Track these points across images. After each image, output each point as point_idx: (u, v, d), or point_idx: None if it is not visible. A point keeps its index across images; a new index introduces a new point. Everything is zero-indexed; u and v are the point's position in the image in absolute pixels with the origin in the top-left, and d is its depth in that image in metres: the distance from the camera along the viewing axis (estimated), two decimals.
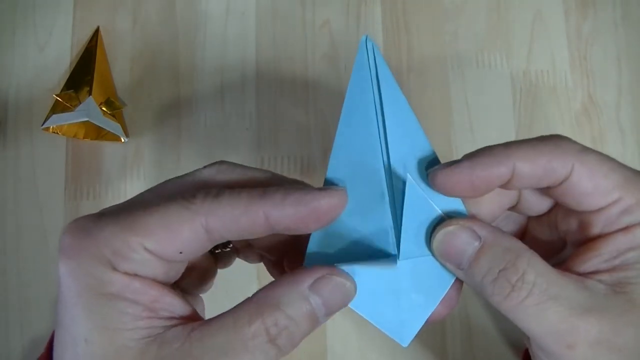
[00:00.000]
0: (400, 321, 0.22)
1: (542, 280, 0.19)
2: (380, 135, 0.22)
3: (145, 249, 0.18)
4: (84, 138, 0.41)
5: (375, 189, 0.22)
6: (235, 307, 0.19)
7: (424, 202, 0.21)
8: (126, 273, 0.18)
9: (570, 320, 0.18)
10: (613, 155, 0.44)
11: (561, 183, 0.20)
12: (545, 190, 0.22)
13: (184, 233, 0.18)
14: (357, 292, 0.20)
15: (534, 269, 0.19)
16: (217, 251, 0.25)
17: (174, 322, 0.19)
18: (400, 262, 0.22)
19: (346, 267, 0.20)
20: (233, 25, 0.43)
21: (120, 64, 0.42)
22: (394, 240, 0.22)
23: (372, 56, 0.22)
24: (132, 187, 0.41)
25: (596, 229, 0.21)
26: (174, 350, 0.17)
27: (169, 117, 0.42)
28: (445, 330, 0.39)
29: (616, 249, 0.20)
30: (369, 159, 0.22)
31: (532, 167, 0.20)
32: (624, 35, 0.43)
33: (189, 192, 0.19)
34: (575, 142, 0.21)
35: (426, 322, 0.22)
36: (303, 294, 0.19)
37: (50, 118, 0.39)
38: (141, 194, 0.20)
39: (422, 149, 0.22)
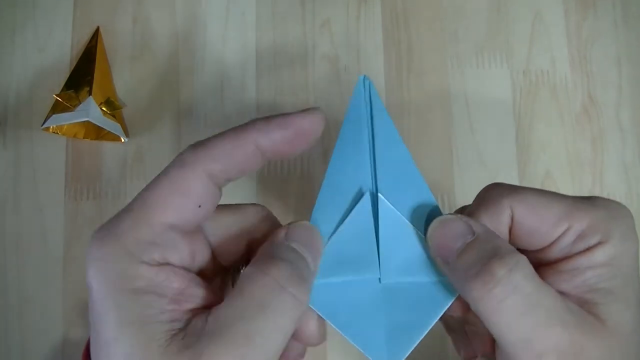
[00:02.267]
0: (387, 342, 0.21)
1: (526, 284, 0.18)
2: (372, 165, 0.23)
3: (168, 225, 0.19)
4: (84, 138, 0.41)
5: (361, 221, 0.22)
6: (237, 281, 0.19)
7: (399, 220, 0.22)
8: (152, 264, 0.19)
9: (544, 329, 0.18)
10: (613, 155, 0.45)
11: (511, 228, 0.21)
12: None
13: (192, 187, 0.19)
14: (341, 310, 0.21)
15: (521, 271, 0.19)
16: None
17: (197, 312, 0.19)
18: (385, 283, 0.21)
19: (327, 282, 0.21)
20: (233, 25, 0.43)
21: (120, 64, 0.42)
22: (377, 259, 0.22)
23: (368, 94, 0.23)
24: (132, 187, 0.41)
25: (553, 258, 0.21)
26: (196, 336, 0.17)
27: (169, 117, 0.42)
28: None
29: (575, 267, 0.20)
30: (359, 187, 0.22)
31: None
32: (624, 35, 0.43)
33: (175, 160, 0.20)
34: (505, 185, 0.21)
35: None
36: (284, 243, 0.20)
37: (50, 118, 0.39)
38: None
39: (412, 181, 0.22)
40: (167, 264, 0.19)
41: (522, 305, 0.18)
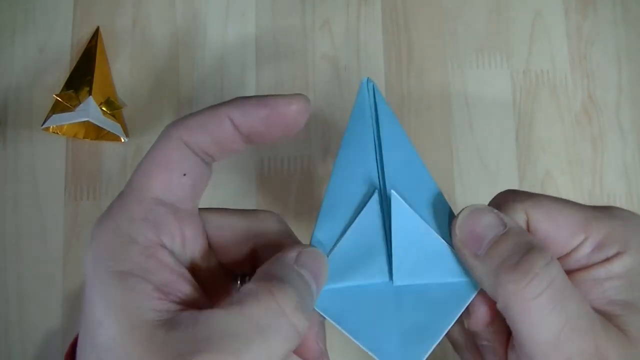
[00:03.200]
0: (403, 346, 0.20)
1: (561, 280, 0.18)
2: (378, 166, 0.22)
3: (156, 200, 0.19)
4: (84, 138, 0.41)
5: (370, 220, 0.21)
6: (238, 293, 0.18)
7: (412, 217, 0.21)
8: (146, 244, 0.18)
9: (573, 330, 0.18)
10: (613, 155, 0.44)
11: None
12: None
13: (173, 157, 0.19)
14: (353, 315, 0.20)
15: (557, 265, 0.18)
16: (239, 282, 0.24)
17: (183, 307, 0.18)
18: (398, 286, 0.20)
19: (338, 287, 0.20)
20: (233, 25, 0.43)
21: (120, 64, 0.42)
22: (387, 261, 0.21)
23: (372, 95, 0.23)
24: None
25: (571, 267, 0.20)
26: (181, 334, 0.17)
27: (169, 117, 0.42)
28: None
29: (592, 278, 0.19)
30: (366, 188, 0.22)
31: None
32: (624, 35, 0.43)
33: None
34: (521, 191, 0.21)
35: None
36: (294, 268, 0.19)
37: (50, 118, 0.39)
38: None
39: (421, 180, 0.22)
40: (161, 245, 0.19)
41: (555, 301, 0.18)
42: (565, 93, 0.42)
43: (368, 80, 0.23)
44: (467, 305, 0.20)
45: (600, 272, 0.19)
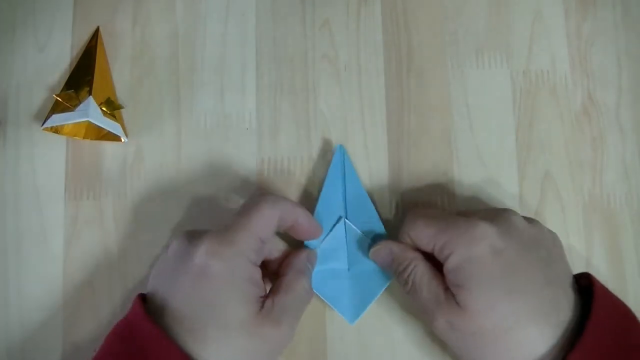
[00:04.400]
0: (352, 306, 0.37)
1: (420, 283, 0.33)
2: (344, 204, 0.39)
3: (260, 239, 0.32)
4: (84, 138, 0.41)
5: (338, 235, 0.38)
6: (280, 281, 0.34)
7: (358, 234, 0.38)
8: (256, 264, 0.32)
9: (431, 306, 0.32)
10: (613, 155, 0.44)
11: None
12: None
13: (271, 224, 0.33)
14: (325, 286, 0.37)
15: (416, 272, 0.34)
16: None
17: (265, 296, 0.33)
18: (352, 271, 0.38)
19: (318, 269, 0.38)
20: (233, 25, 0.43)
21: (120, 64, 0.42)
22: (347, 258, 0.38)
23: (343, 160, 0.39)
24: (132, 187, 0.41)
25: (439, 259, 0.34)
26: (267, 314, 0.31)
27: (169, 117, 0.42)
28: None
29: (445, 269, 0.32)
30: (337, 217, 0.39)
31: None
32: (624, 35, 0.43)
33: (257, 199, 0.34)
34: (412, 212, 0.36)
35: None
36: (307, 264, 0.36)
37: (50, 118, 0.39)
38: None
39: (369, 212, 0.39)
40: (258, 265, 0.33)
41: (418, 291, 0.33)
42: (565, 93, 0.42)
43: (340, 147, 0.40)
44: (389, 282, 0.37)
45: (447, 265, 0.32)
